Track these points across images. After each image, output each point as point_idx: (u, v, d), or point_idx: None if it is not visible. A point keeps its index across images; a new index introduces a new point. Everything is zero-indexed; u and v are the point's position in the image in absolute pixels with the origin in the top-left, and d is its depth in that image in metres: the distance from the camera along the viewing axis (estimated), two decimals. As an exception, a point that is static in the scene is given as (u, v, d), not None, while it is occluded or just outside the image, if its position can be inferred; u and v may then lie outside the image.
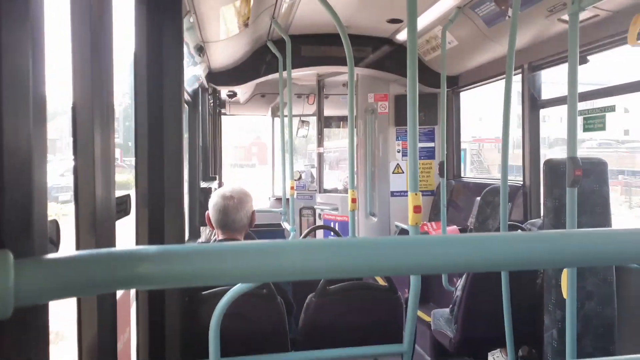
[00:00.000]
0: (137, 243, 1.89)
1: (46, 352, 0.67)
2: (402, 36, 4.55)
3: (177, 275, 0.53)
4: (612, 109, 2.76)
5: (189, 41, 2.85)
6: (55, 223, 1.01)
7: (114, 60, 1.26)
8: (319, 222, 5.75)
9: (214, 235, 2.30)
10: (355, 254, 0.59)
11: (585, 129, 2.82)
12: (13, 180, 0.56)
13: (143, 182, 1.87)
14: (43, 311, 0.66)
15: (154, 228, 1.88)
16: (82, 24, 1.12)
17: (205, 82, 4.59)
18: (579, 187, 2.10)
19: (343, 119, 7.56)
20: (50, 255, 0.51)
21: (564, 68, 3.35)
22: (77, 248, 1.15)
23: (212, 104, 5.49)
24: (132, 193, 1.74)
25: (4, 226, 0.55)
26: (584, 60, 2.94)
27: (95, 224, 1.15)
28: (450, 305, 3.05)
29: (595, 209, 2.53)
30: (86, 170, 1.13)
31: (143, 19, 1.86)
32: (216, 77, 4.76)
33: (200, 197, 4.22)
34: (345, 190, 6.02)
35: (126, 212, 1.60)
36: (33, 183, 0.59)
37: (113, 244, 1.30)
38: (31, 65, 0.59)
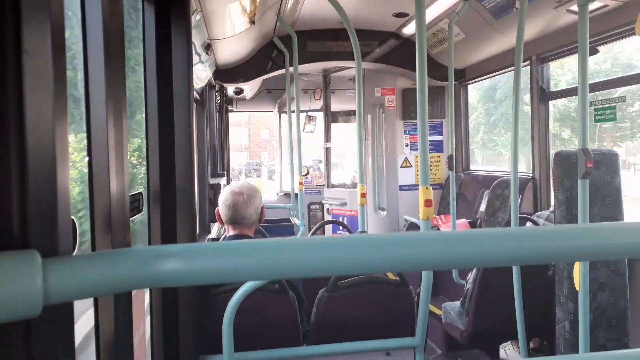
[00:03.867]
0: (150, 240, 1.91)
1: (72, 350, 0.69)
2: (408, 30, 4.52)
3: (202, 272, 0.54)
4: (622, 99, 2.74)
5: (195, 39, 2.86)
6: (72, 222, 1.02)
7: (125, 60, 1.27)
8: (327, 217, 5.76)
9: (224, 231, 2.31)
10: (370, 250, 0.59)
11: (596, 120, 2.80)
12: (37, 181, 0.58)
13: (154, 180, 1.88)
14: (69, 310, 0.68)
15: (166, 225, 1.90)
16: (94, 23, 1.13)
17: (212, 80, 4.60)
18: (590, 178, 2.09)
19: (349, 113, 7.55)
20: (77, 255, 0.52)
21: (573, 59, 3.33)
22: (93, 246, 1.16)
23: (219, 101, 5.50)
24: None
25: (30, 226, 0.56)
26: (594, 51, 2.91)
27: (110, 223, 1.17)
28: (461, 299, 3.05)
29: (607, 200, 2.52)
30: (101, 169, 1.14)
31: (151, 19, 1.87)
32: (223, 74, 4.77)
33: (210, 194, 4.24)
34: (353, 185, 6.02)
35: (139, 210, 1.62)
36: (57, 183, 0.60)
37: (128, 242, 1.32)
38: (51, 67, 0.60)
